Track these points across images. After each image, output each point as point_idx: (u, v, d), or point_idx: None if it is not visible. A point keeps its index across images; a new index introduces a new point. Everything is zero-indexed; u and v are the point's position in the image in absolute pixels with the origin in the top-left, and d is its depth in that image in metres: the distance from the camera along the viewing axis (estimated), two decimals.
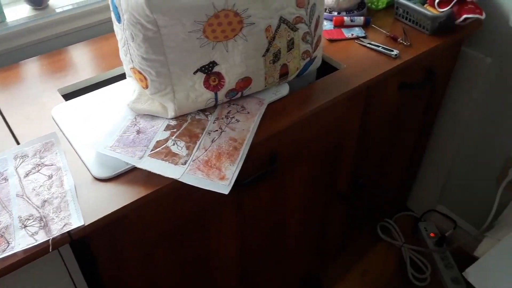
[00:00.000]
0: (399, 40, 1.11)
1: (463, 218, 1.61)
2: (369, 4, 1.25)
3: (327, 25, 1.18)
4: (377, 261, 1.61)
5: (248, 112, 0.88)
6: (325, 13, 1.21)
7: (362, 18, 1.17)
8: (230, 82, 0.84)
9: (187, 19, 0.73)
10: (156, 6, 0.69)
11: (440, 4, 1.12)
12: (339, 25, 1.17)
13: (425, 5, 1.17)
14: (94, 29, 1.17)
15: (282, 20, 0.84)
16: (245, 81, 0.86)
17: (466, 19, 1.09)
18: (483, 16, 1.09)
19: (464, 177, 1.54)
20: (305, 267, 1.42)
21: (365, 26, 1.18)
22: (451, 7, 1.10)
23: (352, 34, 1.14)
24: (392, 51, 1.06)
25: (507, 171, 1.37)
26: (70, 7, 1.14)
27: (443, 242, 1.59)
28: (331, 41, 1.13)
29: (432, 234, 1.64)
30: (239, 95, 0.89)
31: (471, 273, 1.17)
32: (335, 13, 1.20)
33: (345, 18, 1.17)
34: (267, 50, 0.85)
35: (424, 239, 1.64)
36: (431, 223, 1.68)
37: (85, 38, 1.15)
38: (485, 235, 1.31)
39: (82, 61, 1.06)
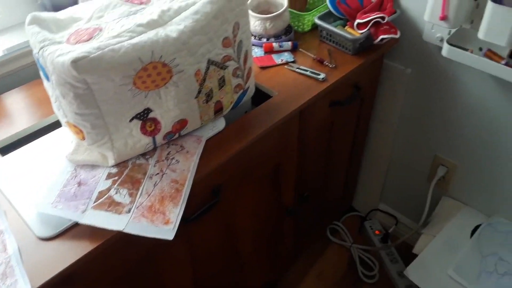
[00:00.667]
0: (325, 62, 1.19)
1: (404, 214, 1.73)
2: (296, 27, 1.32)
3: (258, 52, 1.24)
4: (329, 264, 1.70)
5: (188, 151, 0.92)
6: (254, 40, 1.26)
7: (289, 43, 1.24)
8: (166, 125, 0.88)
9: (116, 75, 0.75)
10: (82, 68, 0.71)
11: (359, 26, 1.21)
12: (269, 51, 1.23)
13: (346, 27, 1.25)
14: (25, 72, 1.16)
15: (211, 62, 0.88)
16: (181, 123, 0.90)
17: (382, 39, 1.18)
18: (397, 35, 1.19)
19: (400, 177, 1.65)
20: (261, 280, 1.48)
21: (293, 50, 1.24)
22: (368, 29, 1.19)
23: (282, 60, 1.20)
24: (319, 74, 1.14)
25: (436, 169, 1.49)
26: (1, 53, 1.12)
27: (387, 238, 1.70)
28: (263, 68, 1.19)
29: (377, 232, 1.74)
30: (176, 136, 0.92)
31: (411, 271, 1.27)
32: (264, 40, 1.26)
33: (274, 44, 1.23)
34: (199, 91, 0.89)
35: (370, 237, 1.74)
36: (376, 221, 1.79)
37: (18, 84, 1.14)
38: (422, 232, 1.42)
39: (16, 110, 1.05)
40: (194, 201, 0.90)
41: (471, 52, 1.13)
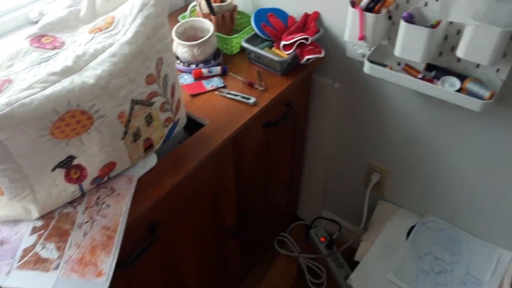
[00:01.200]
0: (255, 85, 1.20)
1: (346, 220, 1.79)
2: (224, 50, 1.32)
3: (187, 79, 1.22)
4: (278, 276, 1.72)
5: (119, 194, 0.89)
6: (183, 66, 1.25)
7: (219, 68, 1.24)
8: (92, 171, 0.85)
9: (30, 128, 0.71)
10: None
11: (285, 47, 1.23)
12: (199, 77, 1.22)
13: (273, 48, 1.27)
14: None
15: (135, 102, 0.86)
16: (109, 166, 0.87)
17: (308, 59, 1.21)
18: (322, 55, 1.23)
19: (339, 184, 1.70)
20: None
21: (223, 74, 1.24)
22: (294, 50, 1.21)
23: (212, 86, 1.20)
24: (250, 99, 1.15)
25: (370, 175, 1.56)
26: None
27: (332, 244, 1.75)
28: (193, 95, 1.18)
29: (322, 239, 1.79)
30: (105, 179, 0.89)
31: (354, 280, 1.31)
32: (193, 66, 1.25)
33: (203, 70, 1.22)
34: (125, 133, 0.87)
35: (316, 244, 1.79)
36: (321, 229, 1.83)
37: None
38: (361, 239, 1.48)
39: None
40: (130, 242, 0.87)
41: (390, 68, 1.19)
